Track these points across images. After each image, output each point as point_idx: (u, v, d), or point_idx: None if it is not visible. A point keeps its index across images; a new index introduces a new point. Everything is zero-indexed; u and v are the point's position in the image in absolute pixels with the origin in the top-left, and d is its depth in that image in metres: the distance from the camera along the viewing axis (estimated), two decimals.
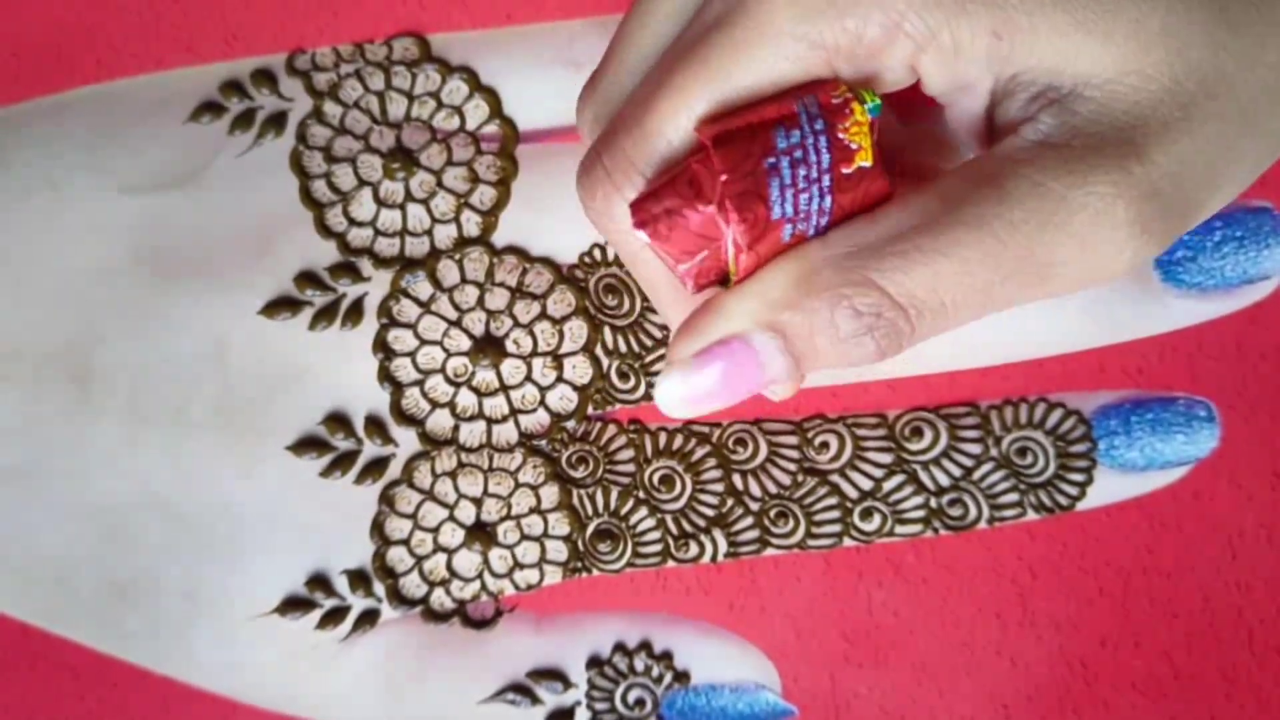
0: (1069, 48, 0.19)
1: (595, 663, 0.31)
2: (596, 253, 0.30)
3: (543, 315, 0.30)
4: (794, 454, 0.31)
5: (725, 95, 0.19)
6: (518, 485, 0.30)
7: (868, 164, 0.19)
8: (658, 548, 0.30)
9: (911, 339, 0.19)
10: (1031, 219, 0.18)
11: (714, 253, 0.20)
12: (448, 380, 0.30)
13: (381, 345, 0.30)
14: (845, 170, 0.19)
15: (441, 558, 0.30)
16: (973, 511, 0.30)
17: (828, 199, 0.19)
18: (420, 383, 0.30)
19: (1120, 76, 0.19)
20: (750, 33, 0.19)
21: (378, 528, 0.30)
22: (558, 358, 0.30)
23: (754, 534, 0.30)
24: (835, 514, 0.30)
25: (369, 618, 0.30)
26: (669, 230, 0.19)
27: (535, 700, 0.30)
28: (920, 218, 0.19)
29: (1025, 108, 0.20)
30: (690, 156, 0.19)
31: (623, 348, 0.30)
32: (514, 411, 0.30)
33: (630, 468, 0.30)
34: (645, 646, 0.31)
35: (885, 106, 0.20)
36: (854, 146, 0.19)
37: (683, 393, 0.20)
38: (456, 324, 0.30)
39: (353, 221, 0.30)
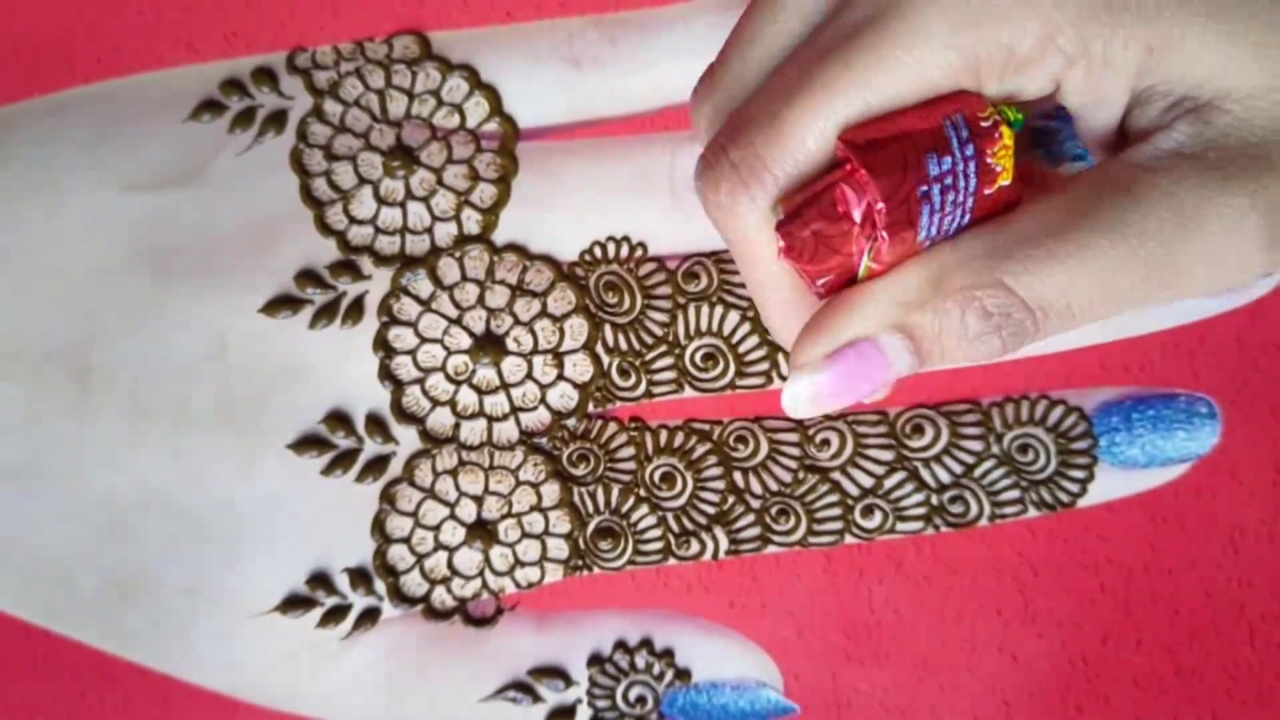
0: (1218, 62, 0.19)
1: (596, 660, 0.31)
2: (597, 250, 0.30)
3: (543, 313, 0.30)
4: (795, 451, 0.31)
5: (869, 103, 0.19)
6: (519, 483, 0.30)
7: (1008, 183, 0.19)
8: (659, 545, 0.30)
9: (1035, 338, 0.20)
10: (1164, 228, 0.19)
11: (848, 265, 0.20)
12: (448, 378, 0.30)
13: (382, 343, 0.30)
14: (987, 191, 0.19)
15: (442, 555, 0.30)
16: (974, 508, 0.30)
17: (967, 217, 0.19)
18: (421, 381, 0.30)
19: (1263, 93, 0.19)
20: (903, 38, 0.18)
21: (379, 526, 0.30)
22: (558, 355, 0.30)
23: (755, 531, 0.30)
24: (836, 511, 0.30)
25: (370, 616, 0.30)
26: (813, 253, 0.19)
27: (536, 698, 0.30)
28: (1051, 223, 0.19)
29: (1160, 116, 0.20)
30: (831, 170, 0.19)
31: (623, 345, 0.30)
32: (515, 409, 0.30)
33: (631, 465, 0.30)
34: (646, 644, 0.31)
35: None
36: (999, 169, 0.19)
37: (811, 394, 0.20)
38: (457, 322, 0.30)
39: (353, 219, 0.30)
